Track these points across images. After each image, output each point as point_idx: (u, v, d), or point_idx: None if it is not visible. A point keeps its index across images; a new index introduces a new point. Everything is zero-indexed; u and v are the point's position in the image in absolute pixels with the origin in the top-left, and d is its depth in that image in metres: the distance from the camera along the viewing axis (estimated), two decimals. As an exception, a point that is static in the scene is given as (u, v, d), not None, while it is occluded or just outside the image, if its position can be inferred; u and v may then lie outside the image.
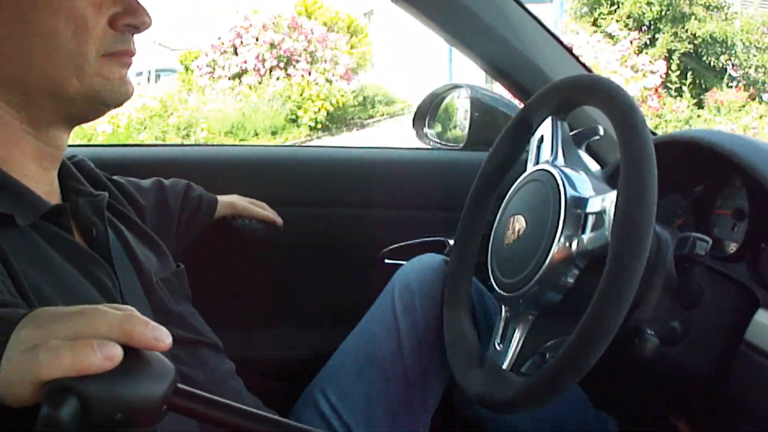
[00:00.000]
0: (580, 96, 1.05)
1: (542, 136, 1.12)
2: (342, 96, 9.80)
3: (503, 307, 1.08)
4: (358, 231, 1.58)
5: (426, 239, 1.55)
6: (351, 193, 1.59)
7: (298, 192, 1.56)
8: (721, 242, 1.17)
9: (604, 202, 0.95)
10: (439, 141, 1.80)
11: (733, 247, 1.14)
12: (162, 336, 0.55)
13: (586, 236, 0.95)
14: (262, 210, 1.48)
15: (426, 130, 1.82)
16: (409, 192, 1.60)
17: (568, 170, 1.03)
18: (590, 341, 0.83)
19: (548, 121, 1.11)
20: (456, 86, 1.75)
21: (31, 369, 0.50)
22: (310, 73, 9.68)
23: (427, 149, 1.79)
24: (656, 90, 6.00)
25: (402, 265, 1.52)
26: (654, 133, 1.43)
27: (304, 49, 9.83)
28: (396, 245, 1.56)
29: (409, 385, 1.21)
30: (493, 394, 0.98)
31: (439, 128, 1.81)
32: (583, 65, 1.38)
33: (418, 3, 1.27)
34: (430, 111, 1.81)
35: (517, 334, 1.02)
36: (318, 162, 1.63)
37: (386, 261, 1.56)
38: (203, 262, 1.38)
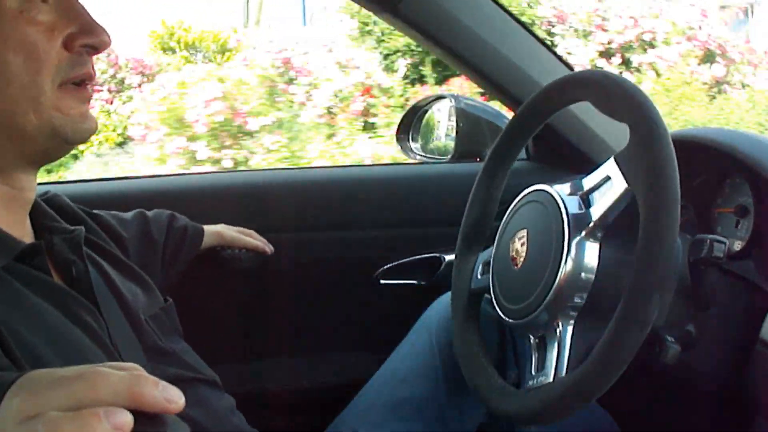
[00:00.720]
0: (576, 93, 1.02)
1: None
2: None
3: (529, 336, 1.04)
4: (352, 253, 1.54)
5: (421, 256, 1.52)
6: (340, 214, 1.55)
7: (285, 217, 1.52)
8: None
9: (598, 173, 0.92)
10: (424, 155, 1.76)
11: (738, 245, 1.12)
12: (174, 397, 0.47)
13: (595, 208, 0.92)
14: (251, 239, 1.43)
15: (410, 143, 1.78)
16: (399, 209, 1.57)
17: (562, 187, 1.00)
18: (617, 352, 0.81)
19: None
20: (440, 97, 1.72)
21: None
22: (111, 102, 8.26)
23: (413, 164, 1.76)
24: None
25: (398, 285, 1.49)
26: None
27: (111, 76, 8.34)
28: (390, 264, 1.52)
29: (446, 422, 1.19)
30: (511, 408, 0.95)
31: (423, 142, 1.78)
32: (568, 66, 1.36)
33: (406, 17, 1.25)
34: (413, 124, 1.77)
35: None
36: (302, 184, 1.59)
37: (381, 281, 1.52)
38: (194, 295, 1.33)
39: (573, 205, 0.96)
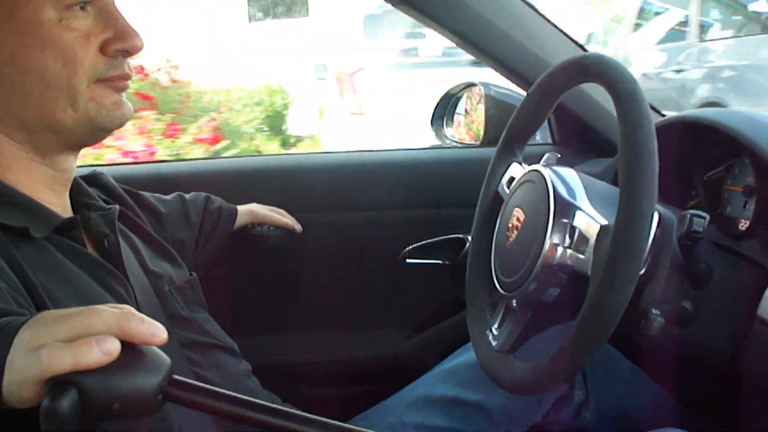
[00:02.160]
0: (578, 76, 1.05)
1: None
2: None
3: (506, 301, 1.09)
4: (379, 233, 1.61)
5: (445, 237, 1.57)
6: (369, 195, 1.61)
7: (315, 198, 1.59)
8: (733, 220, 1.16)
9: (590, 224, 0.94)
10: (456, 140, 1.81)
11: (744, 225, 1.13)
12: (157, 331, 0.58)
13: (569, 252, 0.95)
14: (281, 217, 1.52)
15: (444, 129, 1.84)
16: (429, 191, 1.63)
17: (562, 170, 1.04)
18: (591, 333, 0.85)
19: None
20: (470, 84, 1.77)
21: (34, 369, 0.54)
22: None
23: (443, 147, 1.81)
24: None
25: (424, 264, 1.54)
26: (662, 114, 1.43)
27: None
28: (416, 244, 1.58)
29: (495, 425, 1.26)
30: (504, 377, 1.00)
31: (456, 127, 1.82)
32: (580, 46, 1.39)
33: (420, 7, 1.30)
34: (447, 110, 1.83)
35: (515, 324, 1.04)
36: (334, 167, 1.67)
37: (408, 260, 1.58)
38: (227, 271, 1.43)
39: (562, 188, 0.99)
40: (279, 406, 0.62)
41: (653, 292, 1.00)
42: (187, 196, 1.41)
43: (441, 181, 1.64)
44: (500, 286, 1.08)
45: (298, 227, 1.52)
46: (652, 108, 1.43)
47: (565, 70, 1.06)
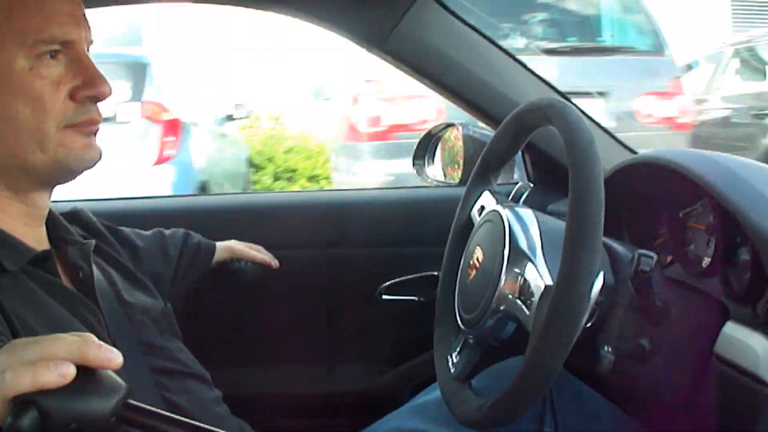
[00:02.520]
0: (538, 119, 1.08)
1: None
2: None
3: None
4: (356, 269, 1.64)
5: (421, 274, 1.59)
6: (347, 233, 1.65)
7: (293, 235, 1.63)
8: (697, 258, 1.18)
9: (537, 280, 0.96)
10: (438, 179, 1.84)
11: (707, 262, 1.16)
12: (113, 356, 0.63)
13: (518, 303, 0.97)
14: (258, 253, 1.55)
15: (426, 168, 1.87)
16: (406, 229, 1.66)
17: (523, 212, 1.06)
18: (528, 389, 0.88)
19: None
20: (449, 125, 1.80)
21: (0, 389, 0.59)
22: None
23: (417, 187, 1.84)
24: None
25: (399, 300, 1.56)
26: (633, 152, 1.46)
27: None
28: (392, 281, 1.60)
29: None
30: (455, 407, 1.03)
31: (437, 166, 1.86)
32: (550, 86, 1.42)
33: (393, 52, 1.34)
34: (428, 150, 1.86)
35: (471, 354, 1.07)
36: (312, 205, 1.71)
37: (384, 296, 1.60)
38: (206, 303, 1.46)
39: (518, 234, 1.02)
40: None
41: (610, 330, 1.03)
42: (166, 231, 1.45)
43: (418, 219, 1.67)
44: (461, 320, 1.10)
45: (275, 263, 1.56)
46: (627, 147, 1.47)
47: (530, 112, 1.09)
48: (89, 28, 1.00)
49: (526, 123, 1.12)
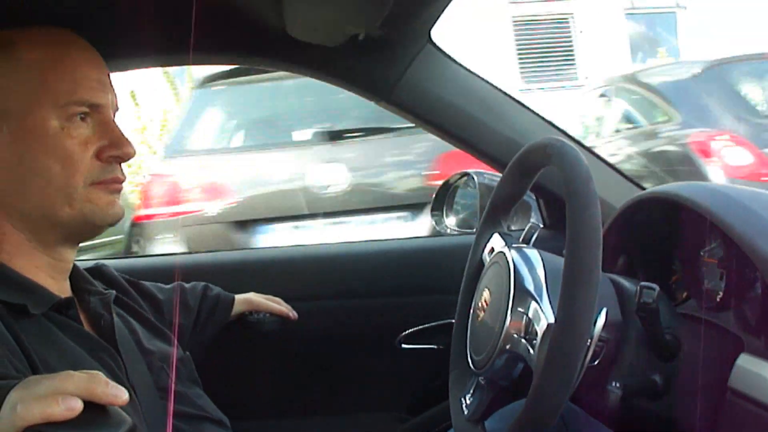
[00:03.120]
0: (539, 159, 1.09)
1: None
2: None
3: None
4: (374, 319, 1.65)
5: (440, 322, 1.59)
6: (364, 283, 1.67)
7: (311, 287, 1.65)
8: (711, 292, 1.17)
9: (541, 319, 0.96)
10: (457, 229, 1.85)
11: (720, 296, 1.14)
12: (119, 393, 0.67)
13: (523, 343, 0.97)
14: (276, 305, 1.58)
15: (444, 219, 1.88)
16: (423, 278, 1.67)
17: (529, 253, 1.07)
18: (531, 424, 0.88)
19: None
20: (465, 174, 1.82)
21: (12, 420, 0.64)
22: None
23: (440, 236, 1.85)
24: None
25: (419, 349, 1.56)
26: (642, 187, 1.45)
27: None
28: (412, 329, 1.61)
29: None
30: None
31: (454, 216, 1.87)
32: (554, 126, 1.44)
33: (398, 103, 1.38)
34: (446, 200, 1.87)
35: (483, 395, 1.07)
36: (329, 257, 1.73)
37: (403, 346, 1.61)
38: (225, 354, 1.48)
39: (524, 274, 1.02)
40: None
41: (620, 367, 1.03)
42: (186, 284, 1.50)
43: (437, 267, 1.68)
44: (472, 362, 1.10)
45: (293, 314, 1.58)
46: (635, 183, 1.47)
47: (531, 153, 1.11)
48: (115, 94, 1.09)
49: (529, 164, 1.13)
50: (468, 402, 1.11)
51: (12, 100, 0.99)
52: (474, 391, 1.11)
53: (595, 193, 0.90)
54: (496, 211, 1.23)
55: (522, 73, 11.19)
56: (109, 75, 1.08)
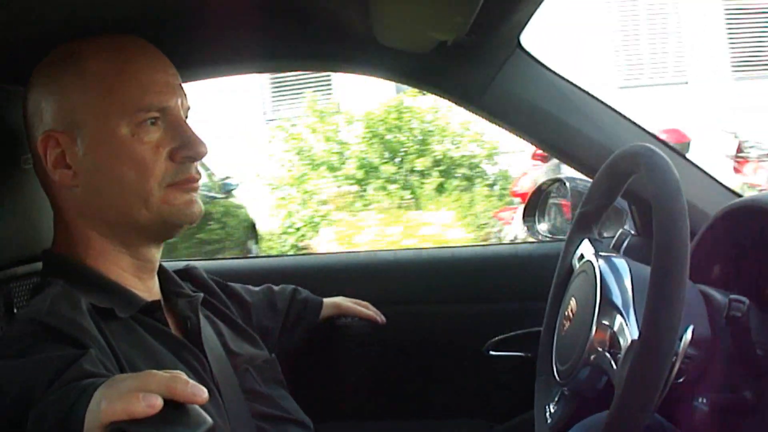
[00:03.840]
0: (629, 167, 1.07)
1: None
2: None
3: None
4: (461, 325, 1.64)
5: (528, 330, 1.58)
6: (453, 289, 1.66)
7: (400, 291, 1.66)
8: None
9: (625, 335, 0.94)
10: (549, 235, 1.83)
11: None
12: (199, 392, 0.69)
13: (607, 356, 0.96)
14: (365, 309, 1.59)
15: (537, 225, 1.86)
16: (509, 284, 1.65)
17: (617, 262, 1.05)
18: (627, 415, 0.86)
19: None
20: (557, 179, 1.80)
21: (96, 416, 0.67)
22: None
23: (533, 242, 1.83)
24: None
25: (507, 356, 1.55)
26: (738, 195, 1.39)
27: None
28: (500, 337, 1.60)
29: None
30: None
31: (547, 222, 1.85)
32: (646, 131, 1.40)
33: (489, 108, 1.38)
34: (538, 206, 1.85)
35: (566, 405, 1.05)
36: (419, 261, 1.73)
37: (491, 353, 1.60)
38: (313, 358, 1.51)
39: (611, 285, 1.00)
40: None
41: (709, 381, 0.99)
42: (275, 287, 1.52)
43: (527, 274, 1.66)
44: (556, 372, 1.09)
45: (381, 319, 1.59)
46: (731, 191, 1.41)
47: (621, 160, 1.09)
48: (185, 94, 1.10)
49: (619, 171, 1.11)
50: (552, 411, 1.10)
51: (82, 111, 1.02)
52: (558, 400, 1.10)
53: (684, 206, 0.87)
54: (587, 217, 1.21)
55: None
56: (177, 76, 1.09)
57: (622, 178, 1.12)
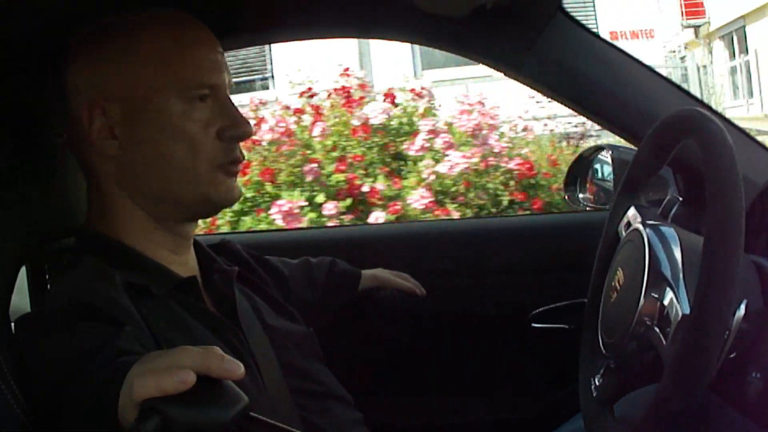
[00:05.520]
0: (678, 132, 1.03)
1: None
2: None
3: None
4: (503, 297, 1.62)
5: (572, 301, 1.55)
6: (496, 259, 1.64)
7: (440, 263, 1.63)
8: None
9: (676, 309, 0.91)
10: (591, 204, 1.79)
11: None
12: (234, 368, 0.67)
13: (656, 331, 0.92)
14: (404, 281, 1.56)
15: (579, 195, 1.82)
16: (551, 255, 1.62)
17: (666, 231, 1.01)
18: (679, 387, 0.83)
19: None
20: (599, 147, 1.75)
21: (130, 393, 0.65)
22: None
23: (574, 212, 1.79)
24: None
25: (550, 328, 1.52)
26: None
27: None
28: (542, 308, 1.57)
29: None
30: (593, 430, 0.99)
31: (589, 192, 1.80)
32: (688, 94, 1.35)
33: (529, 74, 1.34)
34: (579, 175, 1.81)
35: (613, 378, 1.02)
36: (458, 233, 1.70)
37: (534, 325, 1.57)
38: (352, 330, 1.49)
39: (660, 256, 0.97)
40: None
41: (758, 358, 0.95)
42: (313, 260, 1.50)
43: (569, 244, 1.63)
44: (602, 344, 1.06)
45: (421, 291, 1.56)
46: None
47: (669, 125, 1.05)
48: (229, 72, 1.09)
49: (667, 137, 1.07)
50: (597, 383, 1.07)
51: (135, 83, 1.01)
52: (604, 373, 1.06)
53: (740, 176, 0.84)
54: (633, 184, 1.18)
55: None
56: (223, 54, 1.08)
57: (672, 143, 1.08)
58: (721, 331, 0.81)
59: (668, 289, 0.93)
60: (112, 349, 0.79)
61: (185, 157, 1.02)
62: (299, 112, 3.72)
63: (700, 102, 1.36)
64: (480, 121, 3.79)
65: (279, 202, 2.86)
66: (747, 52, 16.14)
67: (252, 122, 1.10)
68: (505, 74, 1.36)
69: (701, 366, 0.81)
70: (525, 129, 4.45)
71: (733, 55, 17.17)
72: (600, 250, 1.21)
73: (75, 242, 1.10)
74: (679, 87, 1.34)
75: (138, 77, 1.01)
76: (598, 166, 1.77)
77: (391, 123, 3.69)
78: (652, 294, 0.94)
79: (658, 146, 1.10)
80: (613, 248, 1.16)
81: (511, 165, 3.68)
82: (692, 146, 0.96)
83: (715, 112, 1.27)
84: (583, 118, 3.30)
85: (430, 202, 3.23)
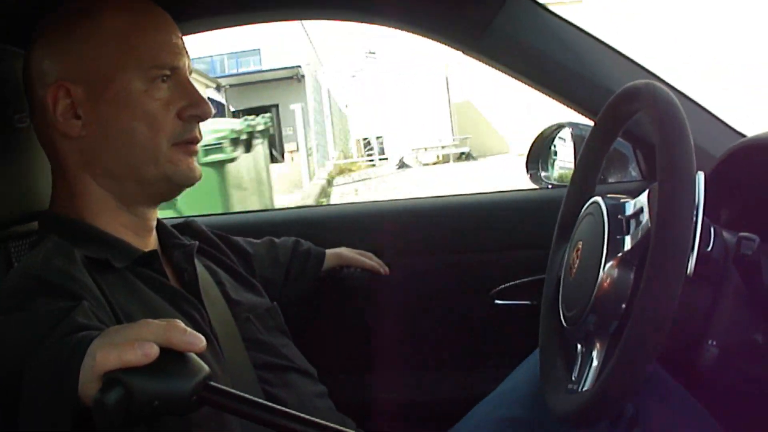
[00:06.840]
0: (631, 106, 1.04)
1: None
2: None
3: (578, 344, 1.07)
4: (466, 275, 1.63)
5: (534, 278, 1.56)
6: (457, 238, 1.65)
7: (402, 242, 1.64)
8: None
9: (638, 202, 0.93)
10: (553, 182, 1.80)
11: None
12: (196, 340, 0.69)
13: (629, 237, 0.93)
14: (368, 260, 1.58)
15: (540, 172, 1.83)
16: (513, 232, 1.63)
17: (623, 200, 1.01)
18: (633, 356, 0.83)
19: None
20: (560, 126, 1.76)
21: (91, 367, 0.67)
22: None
23: (534, 189, 1.80)
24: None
25: (513, 305, 1.53)
26: (742, 135, 1.36)
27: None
28: (505, 285, 1.58)
29: None
30: (557, 409, 0.99)
31: (551, 169, 1.82)
32: (642, 67, 1.37)
33: (487, 52, 1.34)
34: (541, 153, 1.82)
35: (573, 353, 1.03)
36: (421, 211, 1.71)
37: (497, 302, 1.58)
38: (316, 309, 1.50)
39: (616, 224, 0.97)
40: (306, 416, 0.69)
41: (718, 324, 0.96)
42: (276, 240, 1.52)
43: (532, 221, 1.63)
44: (564, 319, 1.07)
45: (384, 269, 1.58)
46: (734, 131, 1.37)
47: (622, 100, 1.06)
48: (189, 56, 1.12)
49: (620, 111, 1.08)
50: (558, 359, 1.09)
51: (98, 64, 1.04)
52: (564, 347, 1.08)
53: (692, 146, 0.84)
54: (588, 163, 1.19)
55: None
56: (182, 38, 1.12)
57: (623, 119, 1.09)
58: (672, 299, 0.80)
59: (627, 203, 0.95)
60: (71, 324, 0.79)
61: (146, 135, 1.04)
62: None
63: (657, 76, 1.37)
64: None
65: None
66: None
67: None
68: (463, 53, 1.37)
69: (650, 338, 0.80)
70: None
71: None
72: (559, 225, 1.22)
73: (38, 225, 1.12)
74: (635, 62, 1.35)
75: (101, 58, 1.04)
76: (558, 143, 1.79)
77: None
78: (616, 236, 0.95)
79: (613, 120, 1.11)
80: (571, 223, 1.17)
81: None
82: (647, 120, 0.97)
83: (671, 86, 1.29)
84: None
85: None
